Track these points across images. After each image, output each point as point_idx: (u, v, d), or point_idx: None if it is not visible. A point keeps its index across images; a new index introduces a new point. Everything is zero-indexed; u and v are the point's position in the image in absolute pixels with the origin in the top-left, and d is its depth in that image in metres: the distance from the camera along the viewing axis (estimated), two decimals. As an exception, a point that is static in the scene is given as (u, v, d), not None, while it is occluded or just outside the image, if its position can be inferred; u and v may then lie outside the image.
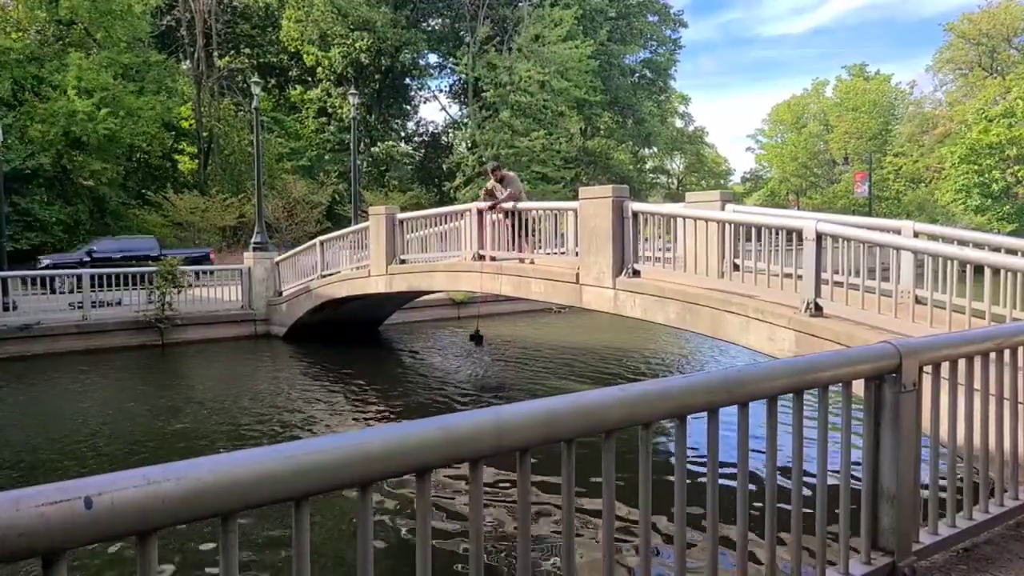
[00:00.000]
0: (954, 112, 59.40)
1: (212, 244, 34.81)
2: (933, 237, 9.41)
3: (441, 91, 54.29)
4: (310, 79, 48.10)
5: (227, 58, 45.18)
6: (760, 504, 2.60)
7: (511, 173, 14.37)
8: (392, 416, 12.08)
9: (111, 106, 33.26)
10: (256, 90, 24.14)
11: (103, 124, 32.65)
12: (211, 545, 6.38)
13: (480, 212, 13.64)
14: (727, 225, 9.40)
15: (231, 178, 42.12)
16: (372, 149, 45.11)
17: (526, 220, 13.04)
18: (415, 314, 22.64)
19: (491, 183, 13.82)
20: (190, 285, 20.01)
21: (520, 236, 12.99)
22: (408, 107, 53.73)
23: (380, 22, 44.32)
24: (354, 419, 11.95)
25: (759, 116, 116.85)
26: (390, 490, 7.70)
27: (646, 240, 11.15)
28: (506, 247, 13.28)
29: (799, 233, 8.45)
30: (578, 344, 18.95)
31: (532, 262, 12.62)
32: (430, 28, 50.72)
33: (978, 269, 7.24)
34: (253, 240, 21.97)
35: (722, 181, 75.73)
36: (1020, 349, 3.51)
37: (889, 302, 7.93)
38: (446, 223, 15.23)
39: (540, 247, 12.95)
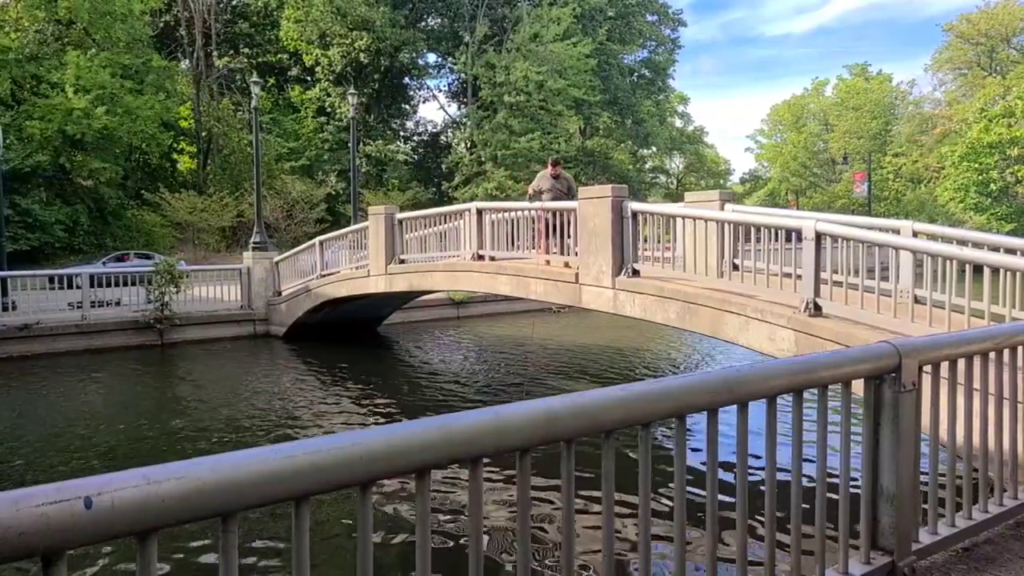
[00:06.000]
0: (953, 112, 59.45)
1: (211, 244, 34.86)
2: (932, 237, 9.40)
3: (440, 91, 54.37)
4: (309, 79, 48.09)
5: (226, 58, 45.16)
6: (760, 504, 2.60)
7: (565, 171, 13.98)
8: (392, 416, 12.08)
9: (108, 104, 33.25)
10: (255, 90, 24.10)
11: (99, 121, 32.63)
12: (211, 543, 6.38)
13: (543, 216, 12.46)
14: (726, 225, 9.40)
15: (230, 178, 42.12)
16: (366, 148, 45.06)
17: (564, 220, 12.07)
18: (415, 314, 22.65)
19: (545, 180, 13.17)
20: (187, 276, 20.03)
21: (562, 235, 12.10)
22: (407, 107, 53.72)
23: (379, 21, 44.32)
24: (354, 419, 11.95)
25: (760, 116, 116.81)
26: (390, 490, 7.70)
27: (645, 240, 11.14)
28: (547, 246, 12.42)
29: (798, 233, 8.45)
30: (578, 343, 18.96)
31: (548, 262, 12.27)
32: (429, 27, 50.73)
33: (977, 269, 7.23)
34: (252, 240, 21.96)
35: (722, 181, 75.72)
36: (1020, 349, 3.51)
37: (888, 302, 7.94)
38: (445, 223, 15.23)
39: (540, 247, 12.85)
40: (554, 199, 12.79)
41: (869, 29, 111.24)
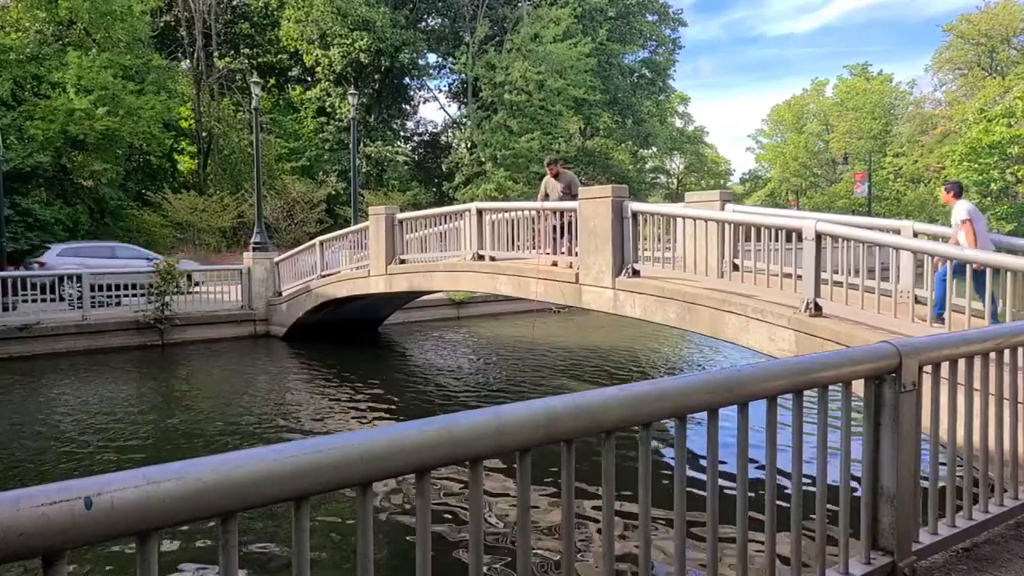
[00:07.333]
0: (954, 112, 59.44)
1: (211, 245, 34.87)
2: (933, 237, 9.42)
3: (440, 91, 54.35)
4: (309, 79, 48.08)
5: (227, 58, 45.15)
6: (760, 504, 2.60)
7: (567, 170, 13.58)
8: (392, 416, 12.08)
9: (110, 105, 33.25)
10: (256, 90, 24.12)
11: (101, 122, 32.63)
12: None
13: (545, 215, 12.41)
14: (727, 225, 9.41)
15: (230, 178, 42.11)
16: (367, 148, 45.05)
17: (570, 220, 11.90)
18: (415, 314, 22.64)
19: (549, 179, 12.94)
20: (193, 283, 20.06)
21: (568, 235, 11.92)
22: (408, 107, 53.70)
23: (379, 22, 44.30)
24: (354, 419, 11.95)
25: (761, 116, 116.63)
26: (390, 490, 7.70)
27: (645, 240, 11.14)
28: (546, 246, 12.39)
29: (799, 233, 8.45)
30: (578, 343, 18.95)
31: (555, 264, 12.17)
32: (429, 28, 50.72)
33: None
34: (253, 240, 21.95)
35: (722, 181, 75.67)
36: (1020, 349, 3.51)
37: (889, 302, 7.94)
38: (446, 223, 15.23)
39: (541, 247, 12.84)
40: (559, 200, 12.70)
41: (872, 29, 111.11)
